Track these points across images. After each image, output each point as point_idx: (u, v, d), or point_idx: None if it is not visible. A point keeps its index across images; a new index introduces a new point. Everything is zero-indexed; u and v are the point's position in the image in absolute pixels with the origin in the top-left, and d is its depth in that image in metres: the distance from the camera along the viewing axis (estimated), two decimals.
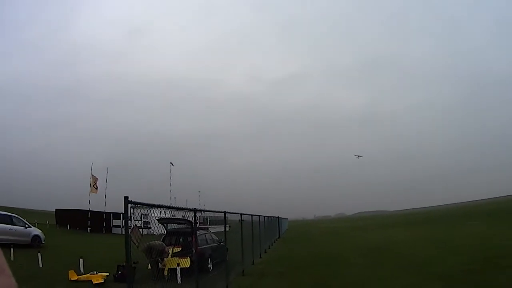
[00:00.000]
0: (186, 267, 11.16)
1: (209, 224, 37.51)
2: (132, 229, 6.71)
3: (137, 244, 7.03)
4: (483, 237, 17.91)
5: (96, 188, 37.41)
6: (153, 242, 11.35)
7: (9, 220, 19.20)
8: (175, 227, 13.67)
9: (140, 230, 10.19)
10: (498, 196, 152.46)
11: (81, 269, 12.48)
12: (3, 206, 37.91)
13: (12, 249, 15.11)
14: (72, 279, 11.00)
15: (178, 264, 10.91)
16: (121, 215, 33.64)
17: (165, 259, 11.44)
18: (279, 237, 35.02)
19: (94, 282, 10.69)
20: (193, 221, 9.02)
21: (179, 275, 10.52)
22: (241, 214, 13.30)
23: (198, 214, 8.87)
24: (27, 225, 20.18)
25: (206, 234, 14.75)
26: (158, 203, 6.81)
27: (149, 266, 11.39)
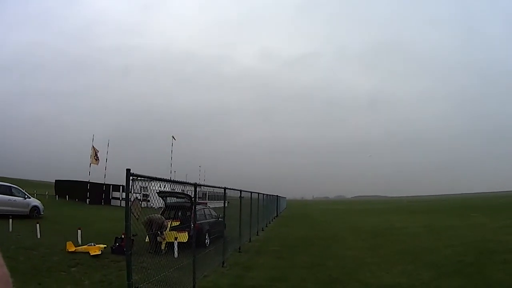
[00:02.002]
0: (183, 242, 11.15)
1: (208, 200, 37.77)
2: (132, 202, 6.58)
3: (137, 216, 6.91)
4: (484, 230, 17.75)
5: (97, 160, 37.39)
6: (153, 215, 11.28)
7: (8, 191, 19.13)
8: (174, 201, 13.61)
9: (140, 203, 10.10)
10: (509, 190, 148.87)
11: (79, 240, 12.48)
12: (3, 177, 38.06)
13: (10, 220, 15.13)
14: (69, 250, 10.95)
15: (176, 238, 10.90)
16: (121, 187, 33.81)
17: (164, 232, 11.43)
18: (277, 215, 35.26)
19: (91, 254, 10.66)
20: (192, 196, 8.90)
21: (176, 249, 10.52)
22: (241, 191, 13.20)
23: (197, 189, 8.74)
24: (26, 196, 20.14)
25: (205, 209, 14.70)
26: (159, 176, 6.63)
27: (147, 239, 11.39)
